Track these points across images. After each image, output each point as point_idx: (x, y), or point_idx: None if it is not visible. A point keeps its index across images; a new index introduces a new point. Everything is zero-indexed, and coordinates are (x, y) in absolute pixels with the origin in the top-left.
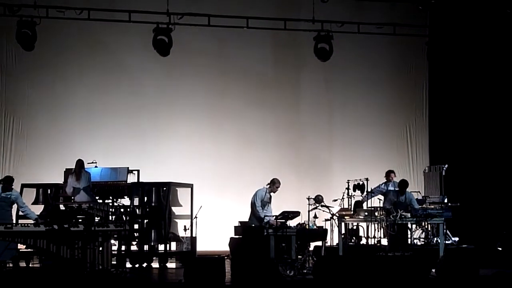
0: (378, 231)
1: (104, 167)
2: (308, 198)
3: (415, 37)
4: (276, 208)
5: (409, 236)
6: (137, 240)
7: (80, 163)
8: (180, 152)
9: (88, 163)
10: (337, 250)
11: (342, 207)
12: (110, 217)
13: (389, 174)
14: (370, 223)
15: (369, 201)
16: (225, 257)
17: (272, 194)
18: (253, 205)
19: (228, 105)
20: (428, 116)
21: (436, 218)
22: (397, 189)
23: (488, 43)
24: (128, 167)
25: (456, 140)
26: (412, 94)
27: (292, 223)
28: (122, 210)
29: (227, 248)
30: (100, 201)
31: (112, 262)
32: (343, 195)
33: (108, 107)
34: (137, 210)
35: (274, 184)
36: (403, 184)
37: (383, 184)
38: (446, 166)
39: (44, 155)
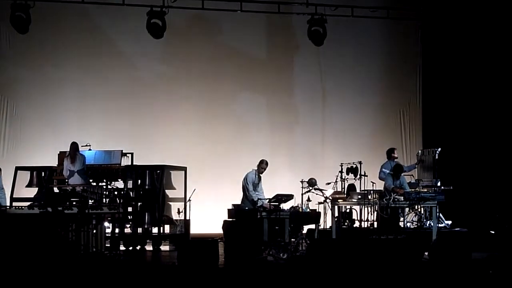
0: (371, 214)
1: (98, 150)
2: (302, 181)
3: (409, 21)
4: (269, 191)
5: (400, 219)
6: (130, 222)
7: (74, 146)
8: (174, 135)
9: (82, 146)
10: (330, 233)
11: (335, 190)
12: (104, 200)
13: (391, 152)
14: (363, 206)
15: (363, 183)
16: (219, 240)
17: (261, 175)
18: (245, 189)
19: (222, 88)
20: (422, 100)
21: (429, 202)
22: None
23: (482, 27)
24: (122, 150)
25: (449, 124)
26: (405, 78)
27: (286, 206)
28: (116, 193)
29: (221, 231)
30: (94, 184)
31: (106, 245)
32: (337, 178)
33: (102, 90)
34: (131, 193)
35: (260, 164)
36: (398, 169)
37: (387, 163)
38: (439, 149)
39: (38, 138)
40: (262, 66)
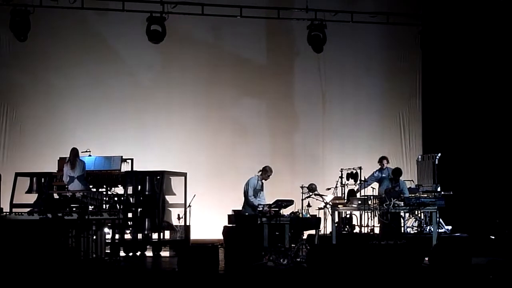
0: (371, 219)
1: (98, 156)
2: (302, 187)
3: (409, 26)
4: (269, 196)
5: (402, 224)
6: (131, 228)
7: (74, 151)
8: (174, 141)
9: (82, 152)
10: (330, 239)
11: (336, 195)
12: (104, 205)
13: (381, 160)
14: (363, 212)
15: (363, 190)
16: (219, 246)
17: (264, 181)
18: (246, 194)
19: (222, 94)
20: (422, 105)
21: (429, 207)
22: (391, 176)
23: (481, 31)
24: (122, 156)
25: (449, 129)
26: (405, 83)
27: (286, 211)
28: (116, 198)
29: (221, 237)
30: (94, 189)
31: (106, 251)
32: (337, 184)
33: (102, 96)
34: (131, 199)
35: (266, 172)
36: (397, 172)
37: (377, 171)
38: (439, 154)
39: (38, 144)
40: (262, 71)
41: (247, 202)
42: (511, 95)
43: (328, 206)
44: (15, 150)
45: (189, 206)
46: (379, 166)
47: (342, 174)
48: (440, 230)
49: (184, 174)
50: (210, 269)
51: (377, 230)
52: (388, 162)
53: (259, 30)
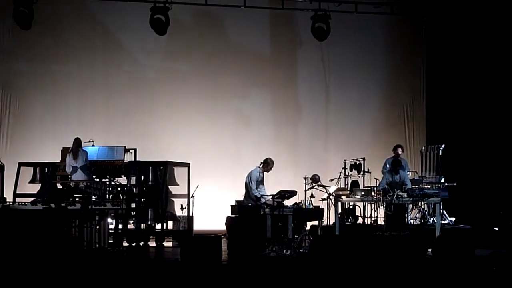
0: (374, 210)
1: (101, 146)
2: (305, 178)
3: (413, 16)
4: (272, 187)
5: (405, 215)
6: (134, 219)
7: (77, 142)
8: (177, 131)
9: (85, 142)
10: (333, 230)
11: (339, 186)
12: (107, 196)
13: (396, 148)
14: (366, 203)
15: (366, 180)
16: (222, 236)
17: (265, 173)
18: (248, 187)
19: (225, 84)
20: (425, 96)
21: (433, 198)
22: (391, 168)
23: (486, 21)
24: (125, 146)
25: (453, 120)
26: (409, 74)
27: (289, 202)
28: (119, 189)
29: (224, 227)
30: (97, 180)
31: (109, 241)
32: (340, 175)
33: (105, 86)
34: (134, 189)
35: (267, 165)
36: (396, 163)
37: (390, 160)
38: (443, 146)
39: (41, 134)
40: (266, 62)
41: (249, 194)
42: None
43: (331, 197)
44: (18, 139)
45: (192, 196)
46: (393, 154)
47: (345, 165)
48: (443, 222)
49: (187, 165)
50: (213, 259)
51: (380, 221)
52: (402, 151)
53: (263, 20)
